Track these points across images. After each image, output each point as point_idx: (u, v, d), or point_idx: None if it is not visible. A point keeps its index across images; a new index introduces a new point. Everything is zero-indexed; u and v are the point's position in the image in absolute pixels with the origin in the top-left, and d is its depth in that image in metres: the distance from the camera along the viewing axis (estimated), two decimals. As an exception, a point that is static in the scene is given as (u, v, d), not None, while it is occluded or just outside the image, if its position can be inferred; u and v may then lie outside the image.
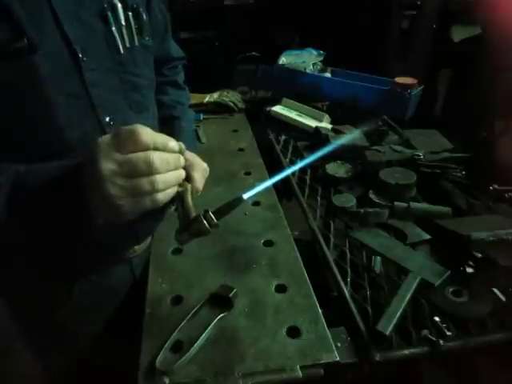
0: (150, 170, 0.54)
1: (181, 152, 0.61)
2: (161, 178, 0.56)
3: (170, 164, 0.57)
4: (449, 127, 1.37)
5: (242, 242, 0.94)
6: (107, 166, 0.53)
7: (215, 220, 0.74)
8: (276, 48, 1.83)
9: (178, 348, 0.70)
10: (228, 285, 0.80)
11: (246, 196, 0.78)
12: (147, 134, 0.55)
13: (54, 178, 0.59)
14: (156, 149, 0.55)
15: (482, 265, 0.86)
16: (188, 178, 0.86)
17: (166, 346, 0.69)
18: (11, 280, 0.85)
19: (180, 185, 0.84)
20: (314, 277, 0.84)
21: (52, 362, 1.01)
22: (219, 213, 0.76)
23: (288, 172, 1.06)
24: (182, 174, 0.62)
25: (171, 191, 0.60)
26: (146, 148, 0.54)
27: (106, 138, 0.55)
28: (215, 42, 3.14)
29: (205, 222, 0.74)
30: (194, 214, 0.77)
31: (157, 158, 0.54)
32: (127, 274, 0.95)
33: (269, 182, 0.85)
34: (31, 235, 0.70)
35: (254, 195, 0.72)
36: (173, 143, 0.58)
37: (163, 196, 0.58)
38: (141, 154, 0.54)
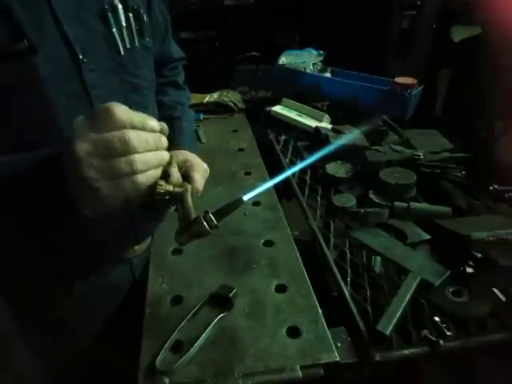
0: (126, 150, 0.51)
1: (162, 132, 0.58)
2: (139, 158, 0.52)
3: (149, 143, 0.53)
4: (449, 127, 1.37)
5: (242, 242, 0.94)
6: (82, 146, 0.50)
7: (215, 221, 0.74)
8: (276, 48, 1.83)
9: (178, 348, 0.70)
10: (228, 285, 0.80)
11: (246, 197, 0.78)
12: (123, 111, 0.51)
13: (33, 166, 0.57)
14: (134, 128, 0.52)
15: (482, 265, 0.86)
16: (188, 179, 0.86)
17: (166, 346, 0.69)
18: (11, 277, 0.85)
19: (180, 185, 0.84)
20: (314, 277, 0.84)
21: (52, 361, 1.01)
22: (219, 214, 0.76)
23: (288, 173, 1.07)
24: (164, 155, 0.58)
25: (153, 173, 0.56)
26: (123, 126, 0.51)
27: (81, 117, 0.52)
28: (215, 42, 3.14)
29: (205, 223, 0.74)
30: (194, 215, 0.77)
31: (133, 136, 0.51)
32: (127, 273, 0.95)
33: (269, 184, 0.85)
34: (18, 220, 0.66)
35: (254, 196, 0.72)
36: (153, 122, 0.55)
37: (144, 178, 0.54)
38: (116, 133, 0.50)
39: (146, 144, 0.53)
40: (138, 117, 0.53)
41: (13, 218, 0.65)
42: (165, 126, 0.59)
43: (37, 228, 0.72)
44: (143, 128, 0.53)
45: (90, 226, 0.70)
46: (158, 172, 0.58)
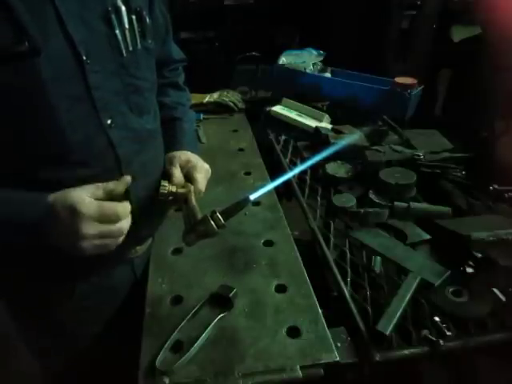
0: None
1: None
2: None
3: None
4: (449, 127, 1.37)
5: (242, 242, 0.94)
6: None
7: (222, 221, 0.74)
8: (276, 48, 1.83)
9: (178, 348, 0.70)
10: (228, 285, 0.80)
11: (252, 197, 0.78)
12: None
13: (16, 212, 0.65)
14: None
15: (482, 265, 0.86)
16: (190, 180, 0.86)
17: (166, 346, 0.69)
18: (12, 279, 0.85)
19: (183, 186, 0.84)
20: (314, 277, 0.84)
21: (52, 361, 1.01)
22: (226, 213, 0.75)
23: (295, 172, 1.07)
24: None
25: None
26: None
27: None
28: (215, 42, 3.14)
29: (212, 222, 0.73)
30: (199, 215, 0.77)
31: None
32: (128, 274, 0.95)
33: (276, 182, 0.85)
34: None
35: (261, 195, 0.72)
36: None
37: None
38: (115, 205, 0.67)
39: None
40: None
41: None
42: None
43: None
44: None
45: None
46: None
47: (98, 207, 0.65)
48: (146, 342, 0.72)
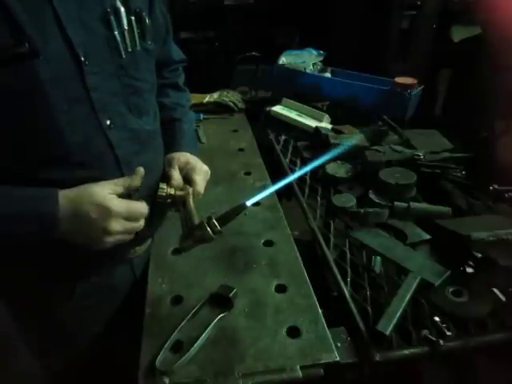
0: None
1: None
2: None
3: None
4: (449, 127, 1.37)
5: (242, 242, 0.94)
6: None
7: (219, 227, 0.74)
8: (276, 48, 1.83)
9: (178, 348, 0.70)
10: (228, 285, 0.80)
11: (249, 203, 0.78)
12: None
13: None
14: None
15: (482, 265, 0.86)
16: (189, 181, 0.86)
17: (166, 346, 0.69)
18: (12, 280, 0.85)
19: (182, 188, 0.84)
20: (314, 277, 0.84)
21: (52, 361, 1.01)
22: (222, 219, 0.76)
23: (293, 177, 1.07)
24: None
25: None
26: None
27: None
28: (215, 42, 3.14)
29: (208, 229, 0.74)
30: (197, 220, 0.77)
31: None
32: (128, 273, 0.95)
33: (271, 189, 0.86)
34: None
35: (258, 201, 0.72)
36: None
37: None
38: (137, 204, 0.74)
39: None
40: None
41: None
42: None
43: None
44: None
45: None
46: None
47: (126, 206, 0.71)
48: (145, 342, 0.72)
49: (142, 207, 0.74)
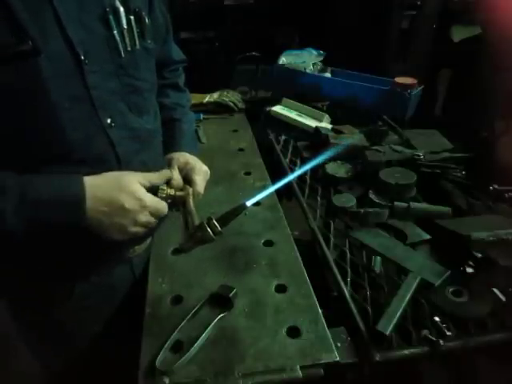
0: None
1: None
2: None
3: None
4: (449, 127, 1.37)
5: (242, 242, 0.94)
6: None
7: (219, 227, 0.74)
8: (276, 48, 1.83)
9: (178, 348, 0.70)
10: (228, 285, 0.80)
11: (249, 203, 0.78)
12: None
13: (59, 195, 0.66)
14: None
15: (482, 265, 0.86)
16: (189, 182, 0.86)
17: (166, 345, 0.69)
18: (12, 280, 0.85)
19: (182, 189, 0.84)
20: (314, 277, 0.84)
21: (52, 361, 1.01)
22: (223, 220, 0.76)
23: (292, 177, 1.07)
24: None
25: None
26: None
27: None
28: (215, 42, 3.14)
29: (209, 229, 0.74)
30: (197, 221, 0.78)
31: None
32: (127, 273, 0.95)
33: (271, 189, 0.86)
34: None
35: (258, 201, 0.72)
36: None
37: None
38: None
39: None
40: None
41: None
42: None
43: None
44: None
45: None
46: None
47: (157, 203, 0.76)
48: (145, 341, 0.72)
49: (163, 206, 0.78)
